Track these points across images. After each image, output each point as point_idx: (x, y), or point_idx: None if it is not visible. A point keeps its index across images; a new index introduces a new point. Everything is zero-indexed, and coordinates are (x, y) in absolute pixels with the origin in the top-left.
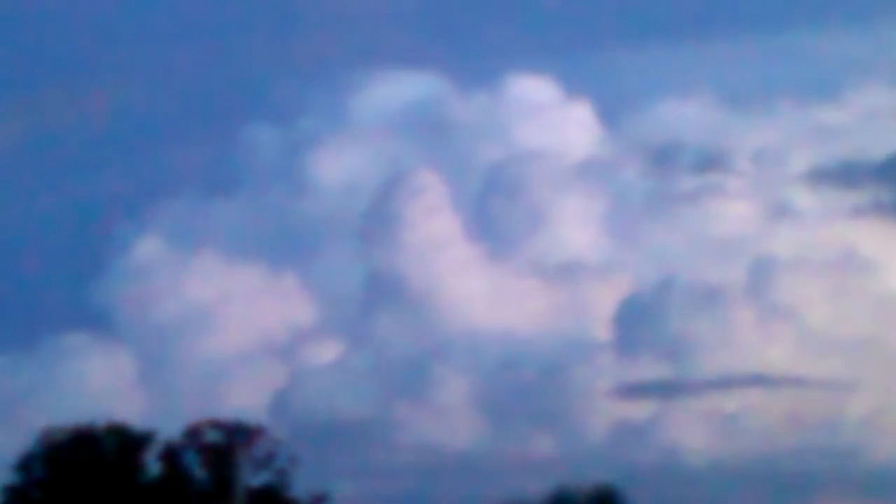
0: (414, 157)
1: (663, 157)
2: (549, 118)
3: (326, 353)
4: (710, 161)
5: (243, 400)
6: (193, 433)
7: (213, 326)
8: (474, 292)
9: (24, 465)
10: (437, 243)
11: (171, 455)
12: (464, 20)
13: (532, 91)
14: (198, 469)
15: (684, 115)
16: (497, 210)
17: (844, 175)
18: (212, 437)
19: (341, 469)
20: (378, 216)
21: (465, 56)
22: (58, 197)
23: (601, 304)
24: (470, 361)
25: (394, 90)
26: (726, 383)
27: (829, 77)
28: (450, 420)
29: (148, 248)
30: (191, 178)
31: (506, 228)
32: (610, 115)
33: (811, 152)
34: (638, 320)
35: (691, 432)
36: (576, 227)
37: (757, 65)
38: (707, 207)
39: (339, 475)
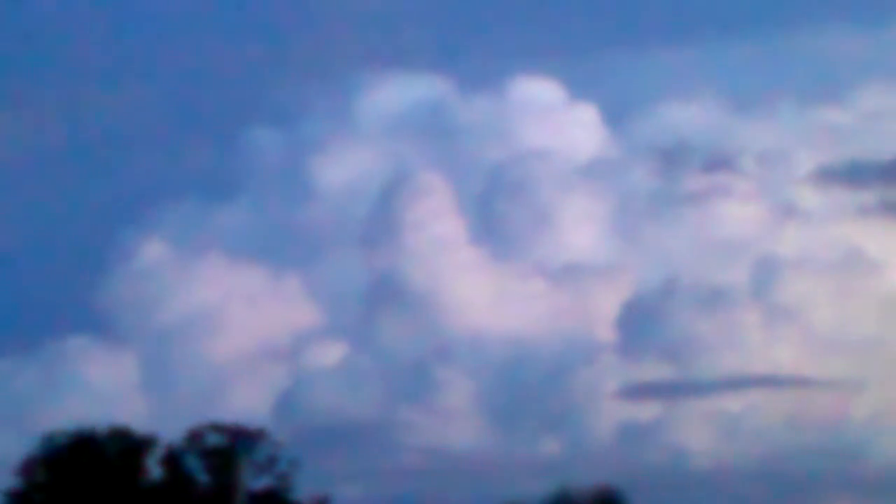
0: (418, 160)
1: (668, 159)
2: (553, 120)
3: (330, 355)
4: (716, 162)
5: (246, 403)
6: (195, 437)
7: (215, 330)
8: (478, 294)
9: (27, 468)
10: (441, 245)
11: (173, 459)
12: (468, 22)
13: (537, 93)
14: (199, 473)
15: (689, 117)
16: (501, 212)
17: (850, 175)
18: (213, 440)
19: (344, 472)
20: (382, 218)
21: (469, 58)
22: (61, 200)
23: (606, 305)
24: (474, 363)
25: (397, 92)
26: (731, 384)
27: (833, 78)
28: (454, 422)
29: (151, 251)
30: (194, 182)
31: (510, 230)
32: (615, 117)
33: (817, 153)
34: (643, 321)
35: (696, 433)
36: (580, 229)
37: (762, 66)
38: (712, 208)
39: (343, 478)
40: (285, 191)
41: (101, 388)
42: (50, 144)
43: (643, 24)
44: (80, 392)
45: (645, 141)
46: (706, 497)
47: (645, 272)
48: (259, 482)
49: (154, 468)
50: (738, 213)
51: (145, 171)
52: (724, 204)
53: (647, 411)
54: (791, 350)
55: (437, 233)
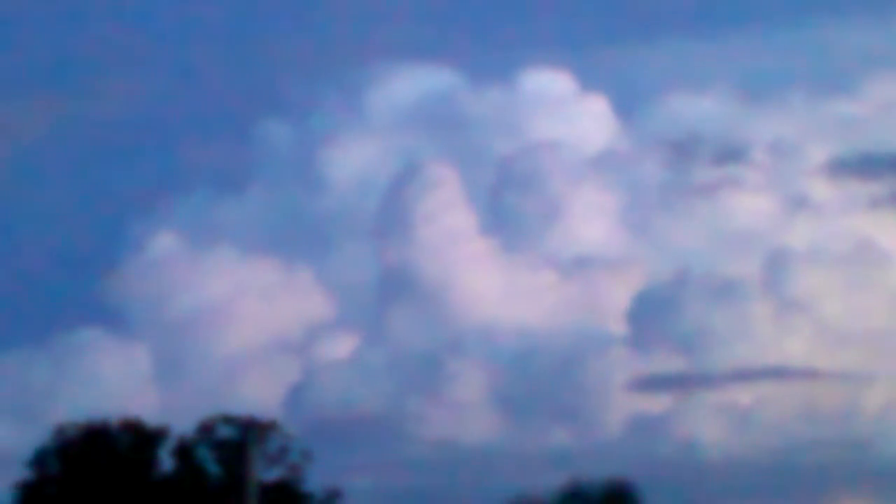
0: (428, 152)
1: (680, 151)
2: (564, 112)
3: (341, 347)
4: (727, 154)
5: (257, 395)
6: (206, 429)
7: (226, 322)
8: (489, 286)
9: (39, 461)
10: (451, 237)
11: (185, 451)
12: (478, 14)
13: (548, 85)
14: (211, 465)
15: (701, 109)
16: (512, 204)
17: (862, 167)
18: (225, 432)
19: (356, 464)
20: (392, 211)
21: (479, 50)
22: (73, 193)
23: (617, 297)
24: (485, 355)
25: (408, 85)
26: (742, 376)
27: (845, 69)
28: (465, 414)
29: (162, 244)
30: (205, 175)
31: (521, 222)
32: (626, 108)
33: (828, 144)
34: (654, 313)
35: (707, 425)
36: (591, 221)
37: (773, 57)
38: (724, 200)
39: (354, 470)
40: (296, 183)
41: (112, 381)
42: (60, 136)
43: (654, 15)
44: (91, 384)
45: (656, 133)
46: (717, 489)
47: (656, 264)
48: (270, 474)
49: (166, 460)
50: (749, 205)
51: (157, 164)
52: (735, 196)
53: (658, 403)
54: (802, 342)
55: (447, 225)
